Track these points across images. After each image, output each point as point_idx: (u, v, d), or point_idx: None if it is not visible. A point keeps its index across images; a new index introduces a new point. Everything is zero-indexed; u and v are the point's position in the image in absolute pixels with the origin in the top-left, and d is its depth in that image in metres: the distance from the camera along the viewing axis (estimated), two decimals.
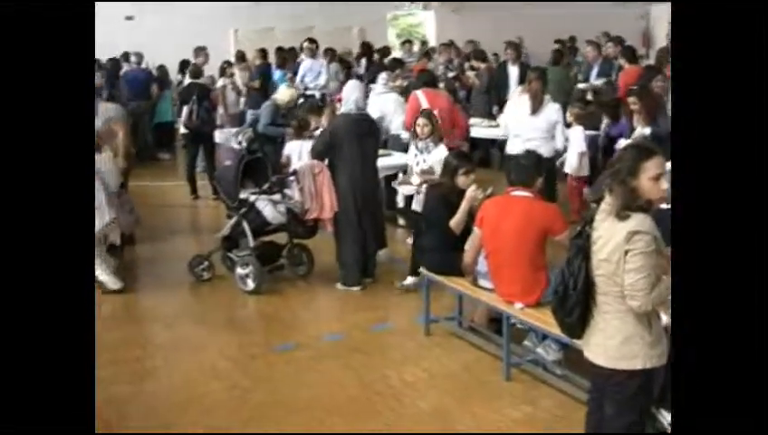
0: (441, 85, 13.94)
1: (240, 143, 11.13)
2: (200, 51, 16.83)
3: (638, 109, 10.43)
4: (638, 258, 4.48)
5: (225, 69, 17.88)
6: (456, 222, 7.75)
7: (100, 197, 8.95)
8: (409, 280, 9.08)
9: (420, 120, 9.39)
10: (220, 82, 17.46)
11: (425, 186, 8.90)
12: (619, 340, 4.69)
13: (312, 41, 18.64)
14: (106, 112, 10.49)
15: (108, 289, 9.27)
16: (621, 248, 4.50)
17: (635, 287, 4.51)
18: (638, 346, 4.65)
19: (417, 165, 9.41)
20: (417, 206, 9.10)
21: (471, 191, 7.78)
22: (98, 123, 9.74)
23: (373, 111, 11.57)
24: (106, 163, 9.28)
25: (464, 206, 7.75)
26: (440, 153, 9.03)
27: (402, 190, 8.97)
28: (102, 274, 9.23)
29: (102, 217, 9.01)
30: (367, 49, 20.64)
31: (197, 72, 14.87)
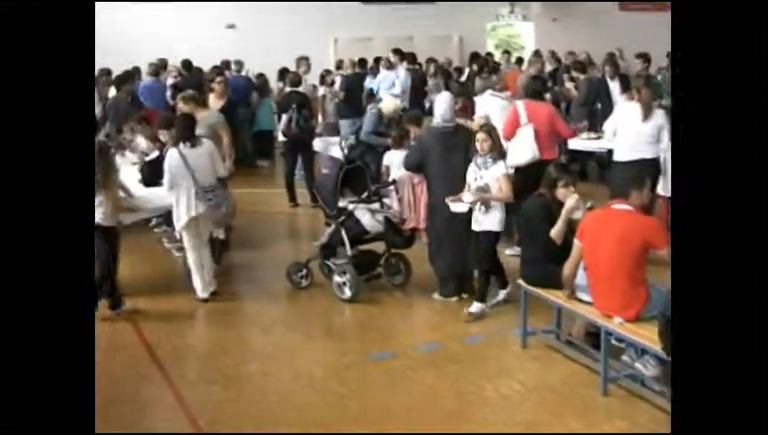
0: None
1: (343, 150, 11.17)
2: (302, 60, 17.03)
3: None
4: None
5: (324, 77, 18.03)
6: (556, 232, 7.68)
7: (190, 191, 9.09)
8: (475, 307, 8.93)
9: (480, 135, 9.16)
10: (321, 91, 17.61)
11: (480, 204, 8.77)
12: None
13: (396, 51, 18.60)
14: (208, 118, 10.66)
15: (197, 297, 9.44)
16: None
17: None
18: None
19: (474, 181, 9.23)
20: (475, 226, 8.95)
21: (570, 201, 7.70)
22: (201, 129, 9.95)
23: (478, 111, 11.58)
24: (201, 157, 9.41)
25: (563, 216, 7.67)
26: (498, 170, 8.82)
27: (453, 208, 8.83)
28: (196, 278, 9.33)
29: (189, 211, 9.12)
30: (474, 58, 20.55)
31: (296, 81, 14.98)
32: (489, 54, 22.34)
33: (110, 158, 9.26)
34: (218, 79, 13.57)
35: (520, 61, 21.15)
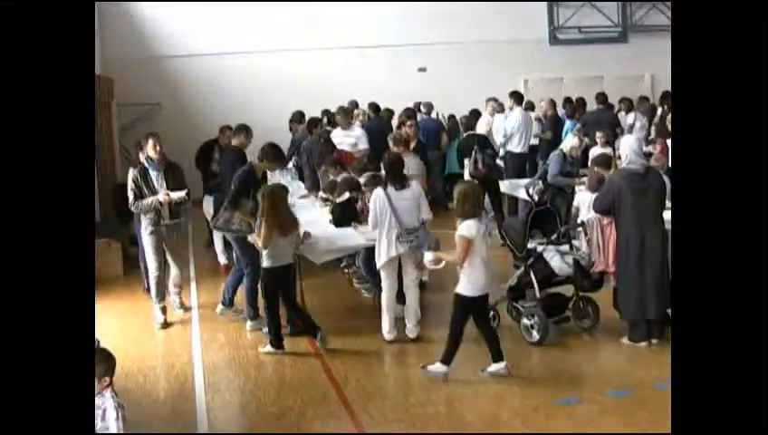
0: None
1: (531, 196, 11.16)
2: (489, 101, 17.23)
3: None
4: None
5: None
6: None
7: (392, 232, 9.25)
8: (493, 367, 8.54)
9: None
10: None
11: None
12: None
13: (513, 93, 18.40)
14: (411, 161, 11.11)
15: (384, 338, 9.58)
16: None
17: None
18: None
19: None
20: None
21: None
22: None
23: None
24: (407, 200, 9.56)
25: None
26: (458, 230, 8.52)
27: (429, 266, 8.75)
28: (386, 319, 9.46)
29: (390, 250, 9.28)
30: (666, 97, 20.09)
31: (470, 125, 15.12)
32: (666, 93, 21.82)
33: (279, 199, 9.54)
34: (409, 122, 13.80)
35: None
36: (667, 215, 9.24)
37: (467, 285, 8.36)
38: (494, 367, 8.49)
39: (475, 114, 17.75)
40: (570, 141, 13.01)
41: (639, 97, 20.77)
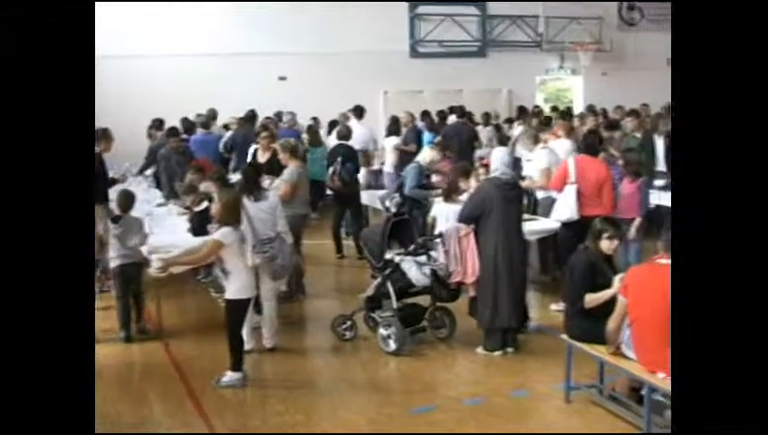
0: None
1: (387, 209, 11.22)
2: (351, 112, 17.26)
3: None
4: None
5: (392, 128, 18.23)
6: (592, 299, 7.71)
7: (247, 243, 9.17)
8: (228, 377, 8.56)
9: None
10: (393, 141, 17.78)
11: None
12: None
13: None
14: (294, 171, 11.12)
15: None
16: None
17: None
18: None
19: None
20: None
21: (618, 282, 7.63)
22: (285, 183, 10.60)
23: (538, 163, 11.78)
24: (262, 211, 9.53)
25: (608, 292, 7.67)
26: None
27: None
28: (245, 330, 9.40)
29: (245, 261, 9.18)
30: (522, 113, 20.57)
31: (344, 134, 15.07)
32: (537, 108, 22.36)
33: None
34: (263, 134, 13.64)
35: (564, 115, 21.19)
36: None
37: (241, 289, 8.40)
38: (230, 377, 8.54)
39: (340, 124, 17.72)
40: (426, 154, 13.10)
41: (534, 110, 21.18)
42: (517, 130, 17.30)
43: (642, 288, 6.93)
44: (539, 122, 17.81)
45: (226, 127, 18.16)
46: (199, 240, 9.96)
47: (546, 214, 11.62)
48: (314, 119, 20.04)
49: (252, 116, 18.24)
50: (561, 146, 12.99)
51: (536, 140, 12.71)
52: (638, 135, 15.67)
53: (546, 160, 12.10)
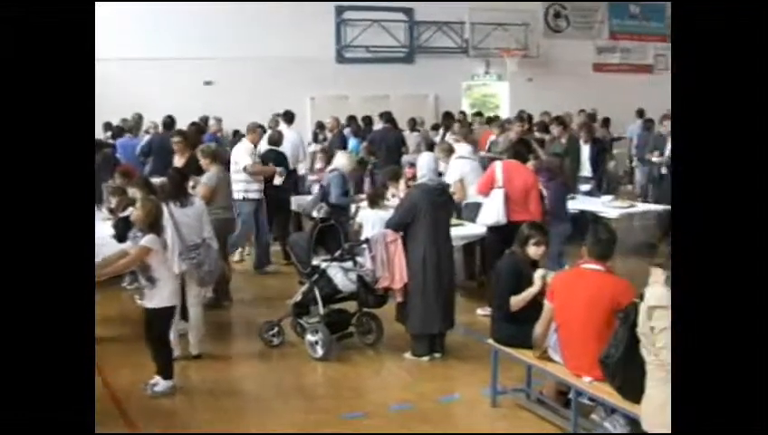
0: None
1: (312, 217, 11.13)
2: (279, 117, 17.16)
3: None
4: (664, 336, 4.49)
5: (317, 134, 18.12)
6: (517, 301, 7.76)
7: (174, 249, 9.08)
8: (162, 385, 8.44)
9: None
10: (311, 148, 17.69)
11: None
12: (655, 407, 4.71)
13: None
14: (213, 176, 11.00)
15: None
16: (648, 322, 4.54)
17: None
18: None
19: None
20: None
21: (540, 279, 7.74)
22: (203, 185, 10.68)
23: (453, 174, 11.72)
24: (188, 217, 9.45)
25: (532, 290, 7.74)
26: None
27: None
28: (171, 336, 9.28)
29: (172, 268, 9.07)
30: (447, 118, 20.64)
31: (275, 140, 14.96)
32: (461, 113, 22.47)
33: None
34: (176, 139, 13.44)
35: (491, 120, 21.39)
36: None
37: (169, 296, 8.30)
38: (162, 385, 8.44)
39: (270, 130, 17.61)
40: (345, 160, 13.03)
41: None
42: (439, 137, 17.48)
43: (568, 293, 6.99)
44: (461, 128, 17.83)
45: (147, 132, 17.99)
46: (123, 246, 9.84)
47: (471, 218, 11.68)
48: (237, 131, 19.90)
49: (170, 122, 18.02)
50: (460, 150, 13.08)
51: (450, 152, 12.80)
52: (564, 141, 15.83)
53: (459, 172, 12.19)
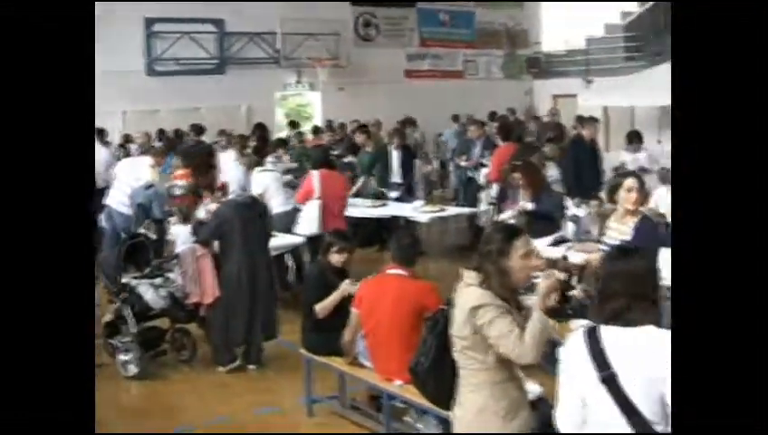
0: None
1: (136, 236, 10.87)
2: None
3: (524, 184, 10.35)
4: (494, 327, 4.59)
5: (123, 146, 17.92)
6: (321, 307, 7.84)
7: None
8: None
9: None
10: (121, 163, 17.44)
11: None
12: (473, 412, 4.80)
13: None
14: None
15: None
16: (469, 324, 4.63)
17: (511, 350, 4.60)
18: (492, 419, 4.75)
19: None
20: None
21: (345, 285, 7.84)
22: None
23: (255, 188, 11.74)
24: None
25: (335, 295, 7.83)
26: None
27: None
28: None
29: None
30: (259, 129, 20.54)
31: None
32: (259, 124, 22.14)
33: None
34: None
35: (315, 130, 21.53)
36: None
37: None
38: None
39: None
40: (152, 174, 12.86)
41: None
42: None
43: (374, 299, 7.11)
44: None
45: None
46: None
47: (283, 229, 11.71)
48: None
49: None
50: (227, 157, 13.24)
51: (255, 164, 12.85)
52: (369, 149, 16.02)
53: (262, 185, 12.23)
